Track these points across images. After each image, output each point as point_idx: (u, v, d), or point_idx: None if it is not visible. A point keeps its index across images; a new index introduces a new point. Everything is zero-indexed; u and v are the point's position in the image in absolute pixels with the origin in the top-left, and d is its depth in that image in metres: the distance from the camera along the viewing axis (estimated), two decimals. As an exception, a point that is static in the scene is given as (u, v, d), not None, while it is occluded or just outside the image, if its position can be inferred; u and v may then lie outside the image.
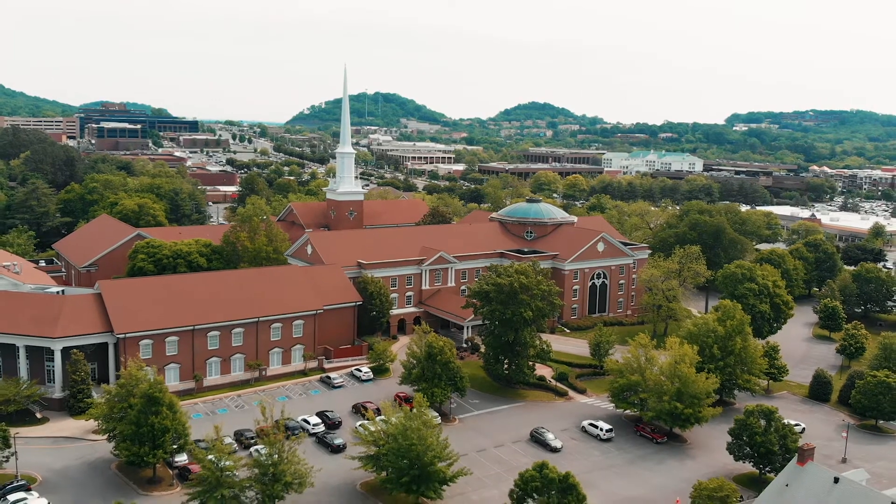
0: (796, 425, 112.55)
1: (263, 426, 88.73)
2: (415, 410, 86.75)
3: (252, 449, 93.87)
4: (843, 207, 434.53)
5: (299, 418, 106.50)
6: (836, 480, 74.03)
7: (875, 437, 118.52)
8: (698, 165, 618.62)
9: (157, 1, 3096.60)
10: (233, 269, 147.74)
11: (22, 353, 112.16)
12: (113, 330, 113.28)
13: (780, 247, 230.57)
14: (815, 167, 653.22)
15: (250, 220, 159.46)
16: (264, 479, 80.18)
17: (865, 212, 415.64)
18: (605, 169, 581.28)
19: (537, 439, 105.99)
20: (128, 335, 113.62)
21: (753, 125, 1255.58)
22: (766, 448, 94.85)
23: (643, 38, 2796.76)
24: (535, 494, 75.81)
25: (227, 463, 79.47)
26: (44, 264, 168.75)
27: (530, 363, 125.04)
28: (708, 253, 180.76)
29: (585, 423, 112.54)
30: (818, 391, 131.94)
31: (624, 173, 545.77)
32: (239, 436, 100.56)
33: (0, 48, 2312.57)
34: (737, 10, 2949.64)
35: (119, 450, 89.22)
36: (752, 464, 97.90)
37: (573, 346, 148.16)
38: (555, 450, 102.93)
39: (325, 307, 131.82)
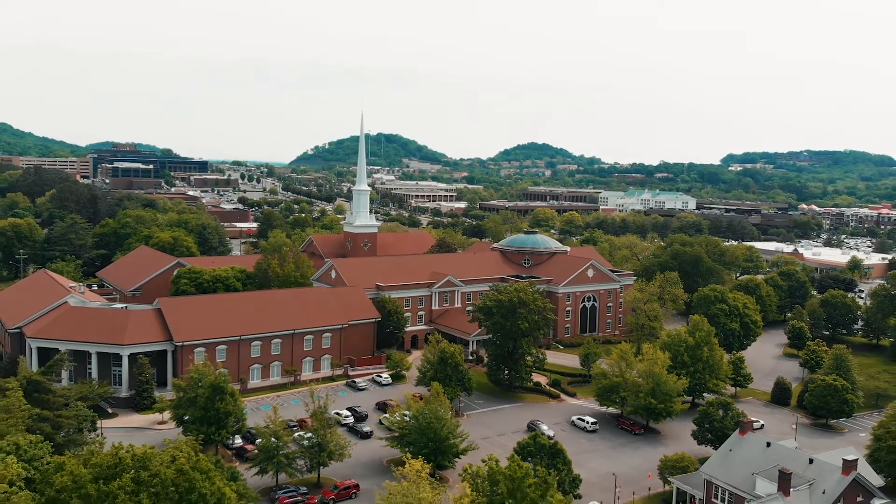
0: (755, 421, 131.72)
1: (303, 418, 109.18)
2: (433, 396, 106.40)
3: (295, 434, 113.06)
4: (828, 243, 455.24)
5: (332, 412, 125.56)
6: (768, 444, 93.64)
7: (825, 433, 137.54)
8: (691, 204, 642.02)
9: (156, 45, 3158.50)
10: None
11: (94, 359, 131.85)
12: (172, 339, 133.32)
13: (760, 277, 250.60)
14: (804, 206, 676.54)
15: (280, 249, 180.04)
16: (312, 450, 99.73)
17: (849, 247, 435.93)
18: (602, 207, 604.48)
19: (533, 429, 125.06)
20: (185, 343, 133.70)
21: (748, 165, 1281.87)
22: (724, 432, 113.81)
23: (642, 80, 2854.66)
24: (529, 458, 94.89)
25: (279, 441, 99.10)
26: (96, 288, 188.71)
27: (527, 369, 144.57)
28: (688, 280, 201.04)
29: (574, 417, 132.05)
30: (779, 396, 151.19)
31: (619, 211, 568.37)
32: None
33: (8, 91, 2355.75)
34: (735, 54, 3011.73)
35: (189, 431, 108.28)
36: (712, 447, 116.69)
37: (566, 360, 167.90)
38: (548, 437, 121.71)
39: (349, 322, 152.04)
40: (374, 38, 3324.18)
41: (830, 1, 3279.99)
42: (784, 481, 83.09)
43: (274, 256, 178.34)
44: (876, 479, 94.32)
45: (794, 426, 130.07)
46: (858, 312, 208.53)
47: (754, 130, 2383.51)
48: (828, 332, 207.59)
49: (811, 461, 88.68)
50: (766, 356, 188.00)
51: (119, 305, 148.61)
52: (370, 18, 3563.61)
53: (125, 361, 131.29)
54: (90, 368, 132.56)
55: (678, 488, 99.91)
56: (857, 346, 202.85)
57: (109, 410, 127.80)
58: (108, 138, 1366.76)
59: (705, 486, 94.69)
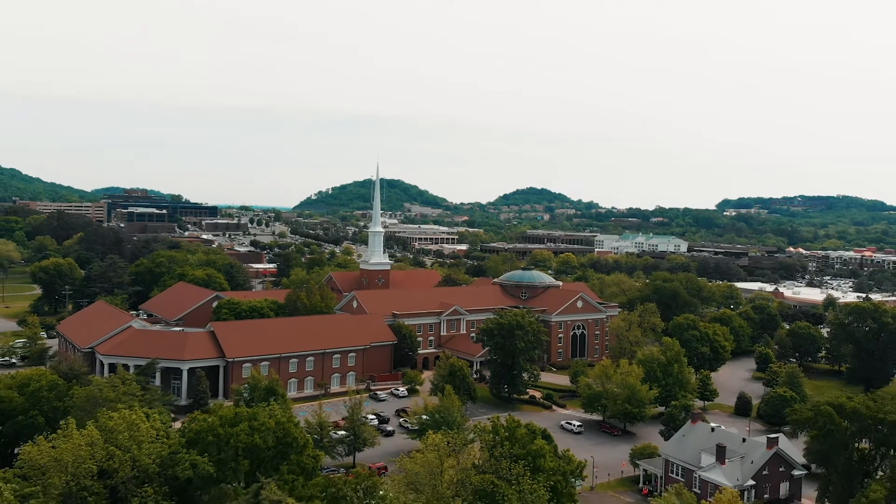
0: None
1: (336, 420, 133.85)
2: (445, 397, 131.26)
3: (331, 431, 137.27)
4: (810, 284, 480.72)
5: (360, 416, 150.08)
6: (713, 429, 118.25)
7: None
8: (683, 247, 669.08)
9: (155, 92, 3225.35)
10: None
11: (158, 373, 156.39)
12: (224, 356, 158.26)
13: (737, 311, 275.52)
14: (792, 248, 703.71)
15: (308, 282, 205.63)
16: (349, 439, 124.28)
17: (830, 287, 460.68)
18: (597, 250, 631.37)
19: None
20: (234, 360, 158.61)
21: (743, 210, 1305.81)
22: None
23: (639, 127, 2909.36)
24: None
25: (323, 430, 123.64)
26: (145, 317, 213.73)
27: (524, 383, 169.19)
28: (667, 311, 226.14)
29: (563, 422, 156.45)
30: (741, 408, 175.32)
31: (614, 253, 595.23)
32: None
33: (13, 138, 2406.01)
34: (732, 102, 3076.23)
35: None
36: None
37: (558, 380, 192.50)
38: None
39: (370, 344, 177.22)
40: (376, 87, 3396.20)
41: (837, 58, 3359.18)
42: (720, 453, 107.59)
43: (302, 290, 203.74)
44: (798, 458, 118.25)
45: (747, 429, 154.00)
46: (822, 342, 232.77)
47: (749, 176, 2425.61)
48: (794, 360, 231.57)
49: (744, 440, 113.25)
50: (737, 379, 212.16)
51: (177, 328, 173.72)
52: (372, 68, 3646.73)
53: (184, 375, 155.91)
54: (152, 381, 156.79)
55: (644, 469, 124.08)
56: (822, 372, 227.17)
57: (172, 416, 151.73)
58: (112, 183, 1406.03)
59: (664, 464, 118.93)
